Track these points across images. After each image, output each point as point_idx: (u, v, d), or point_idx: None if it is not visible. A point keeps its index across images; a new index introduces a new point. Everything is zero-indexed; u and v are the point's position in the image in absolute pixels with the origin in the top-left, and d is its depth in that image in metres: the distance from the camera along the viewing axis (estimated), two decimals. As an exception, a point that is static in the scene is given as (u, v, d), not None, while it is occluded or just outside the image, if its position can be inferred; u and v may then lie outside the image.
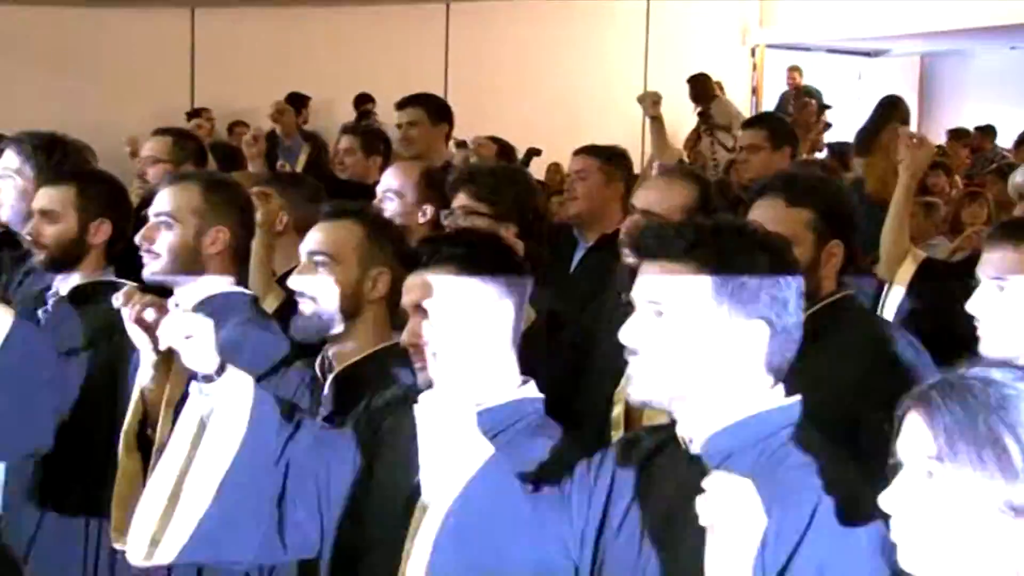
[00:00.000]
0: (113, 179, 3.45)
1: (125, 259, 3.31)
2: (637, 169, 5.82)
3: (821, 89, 13.14)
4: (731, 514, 1.56)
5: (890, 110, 6.15)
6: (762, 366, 1.88)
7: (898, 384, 1.77)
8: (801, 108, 12.05)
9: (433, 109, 5.18)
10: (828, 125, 12.15)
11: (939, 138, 12.02)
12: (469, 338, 2.09)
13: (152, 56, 10.61)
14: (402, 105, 5.36)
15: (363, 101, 10.98)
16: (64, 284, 3.32)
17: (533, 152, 9.21)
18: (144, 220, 3.07)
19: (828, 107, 12.45)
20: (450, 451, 1.96)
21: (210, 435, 2.27)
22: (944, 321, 4.05)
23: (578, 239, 4.40)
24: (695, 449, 1.89)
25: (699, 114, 11.11)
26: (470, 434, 1.98)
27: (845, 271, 2.77)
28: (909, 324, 4.08)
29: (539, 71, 12.39)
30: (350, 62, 11.35)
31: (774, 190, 2.75)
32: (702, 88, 11.06)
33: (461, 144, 5.13)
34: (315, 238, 2.72)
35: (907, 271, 4.22)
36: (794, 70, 13.42)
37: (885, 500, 1.51)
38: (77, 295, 3.28)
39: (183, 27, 11.05)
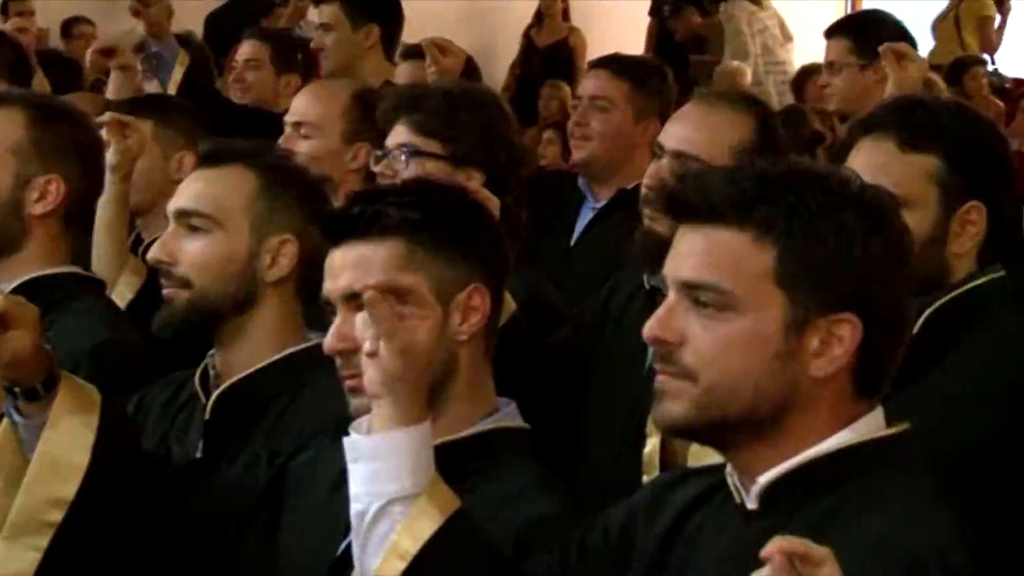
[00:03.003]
0: None
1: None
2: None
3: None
4: None
5: None
6: (850, 380, 1.91)
7: None
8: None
9: (356, 2, 5.17)
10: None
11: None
12: (423, 341, 2.11)
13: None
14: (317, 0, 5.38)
15: None
16: None
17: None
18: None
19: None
20: (394, 503, 1.98)
21: (34, 475, 2.30)
22: None
23: (584, 196, 4.43)
24: (752, 502, 1.92)
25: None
26: (425, 480, 2.00)
27: (991, 248, 2.77)
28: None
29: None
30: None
31: (882, 126, 2.75)
32: None
33: (410, 53, 5.10)
34: (188, 192, 2.75)
35: None
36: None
37: None
38: None
39: None
